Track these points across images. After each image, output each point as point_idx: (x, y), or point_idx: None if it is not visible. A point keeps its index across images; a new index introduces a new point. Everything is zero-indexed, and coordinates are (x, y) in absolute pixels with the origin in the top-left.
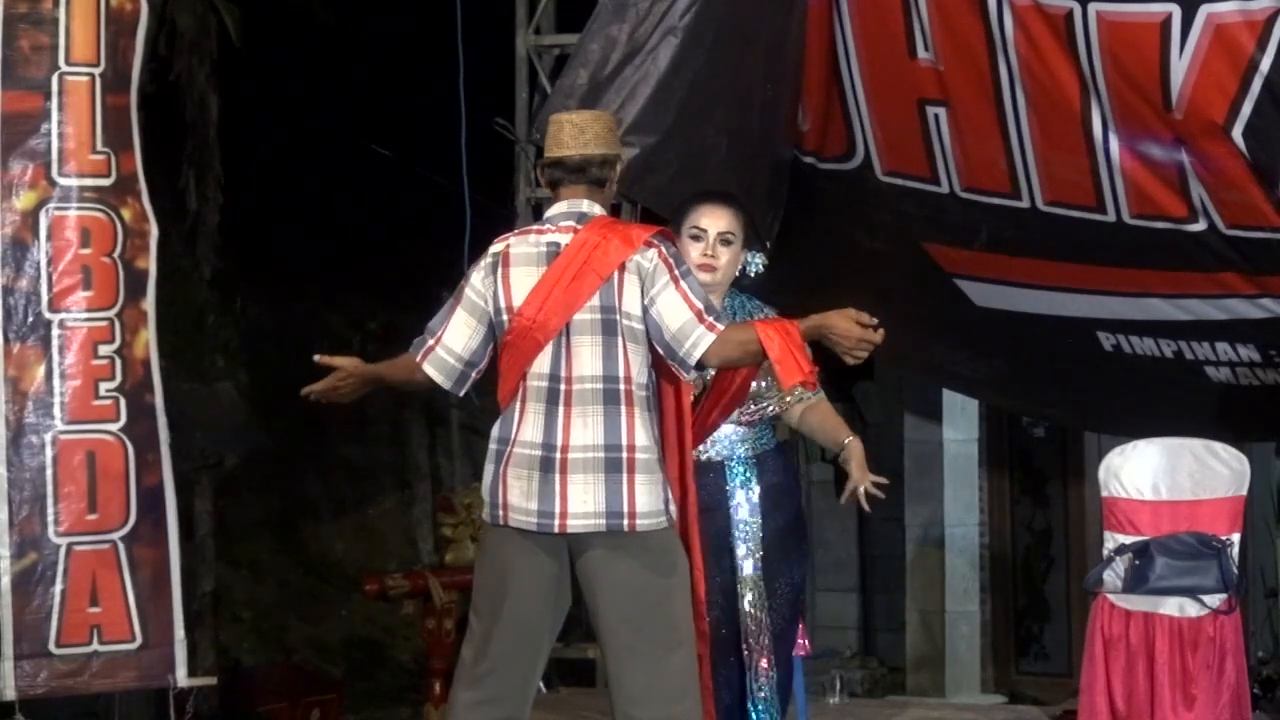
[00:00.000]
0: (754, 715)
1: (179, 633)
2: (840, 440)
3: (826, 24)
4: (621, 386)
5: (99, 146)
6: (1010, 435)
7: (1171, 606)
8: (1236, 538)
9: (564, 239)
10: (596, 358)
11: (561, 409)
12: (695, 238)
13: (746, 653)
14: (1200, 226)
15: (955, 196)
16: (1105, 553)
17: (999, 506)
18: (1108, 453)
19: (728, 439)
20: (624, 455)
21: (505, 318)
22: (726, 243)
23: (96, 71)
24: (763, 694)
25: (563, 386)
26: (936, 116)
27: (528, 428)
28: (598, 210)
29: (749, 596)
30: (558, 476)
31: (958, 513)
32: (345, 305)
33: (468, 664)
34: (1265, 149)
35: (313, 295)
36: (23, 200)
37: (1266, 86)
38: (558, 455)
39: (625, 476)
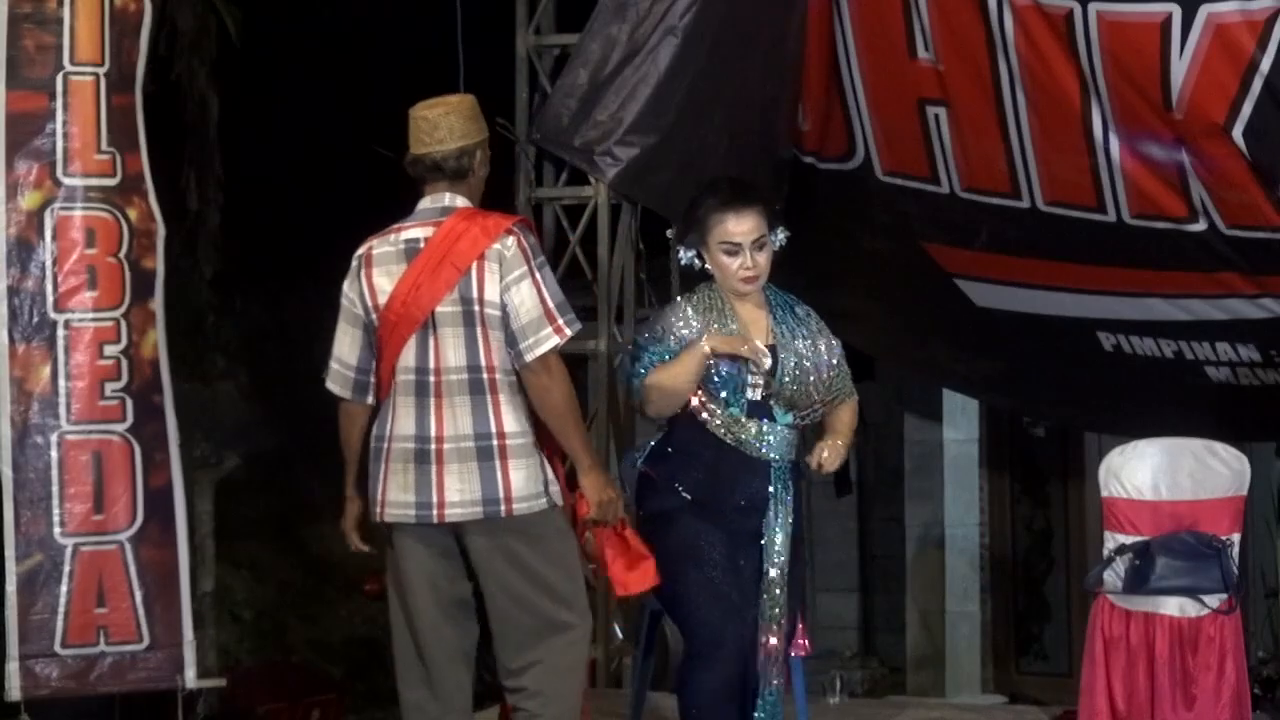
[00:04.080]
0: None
1: (188, 634)
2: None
3: (827, 24)
4: (485, 375)
5: (104, 146)
6: (1010, 435)
7: (1172, 607)
8: (1236, 538)
9: (424, 233)
10: (460, 349)
11: (432, 400)
12: (730, 252)
13: (763, 656)
14: (1200, 226)
15: (955, 196)
16: (1105, 553)
17: (999, 506)
18: (1108, 453)
19: (783, 440)
20: (495, 443)
21: (374, 317)
22: (762, 246)
23: (101, 71)
24: (771, 696)
25: (431, 378)
26: (936, 116)
27: (401, 421)
28: (460, 202)
29: (777, 606)
30: (434, 468)
31: (958, 513)
32: None
33: (402, 665)
34: (1265, 149)
35: (313, 295)
36: (28, 200)
37: (1267, 86)
38: (432, 446)
39: (499, 463)
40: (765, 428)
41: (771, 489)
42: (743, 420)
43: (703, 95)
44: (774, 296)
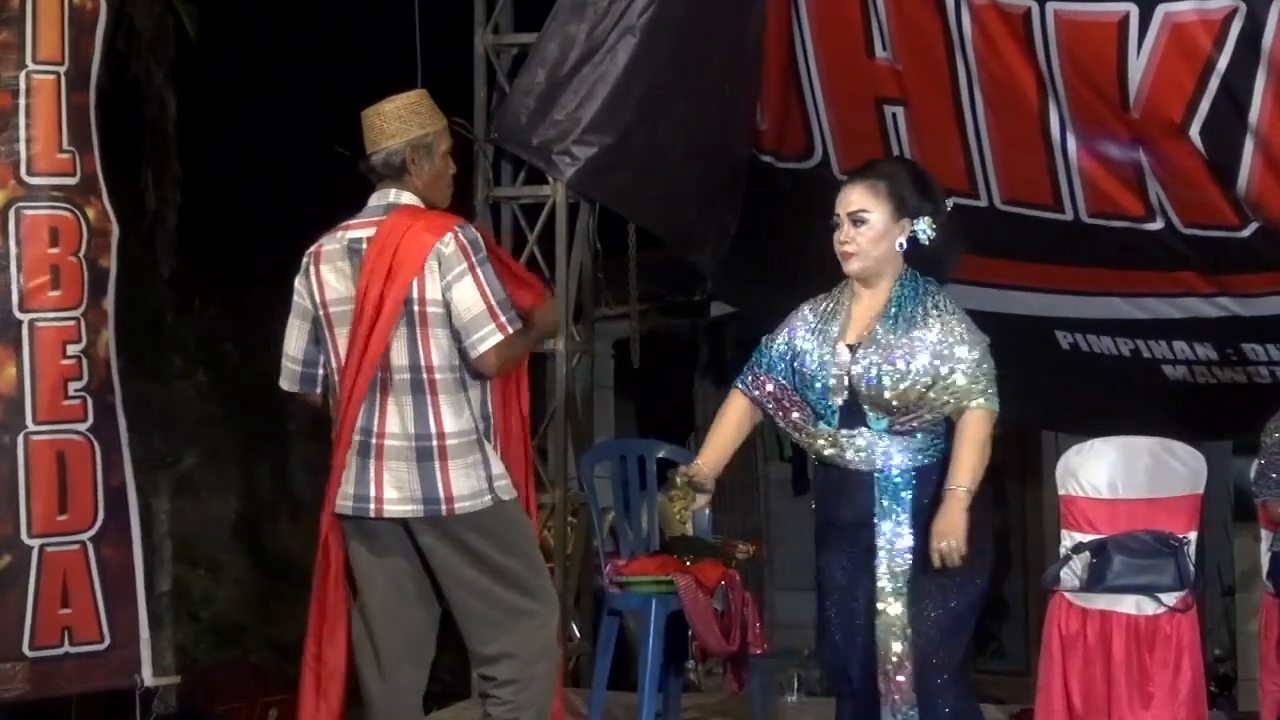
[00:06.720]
0: None
1: (144, 632)
2: (947, 485)
3: (785, 23)
4: (425, 376)
5: (65, 146)
6: None
7: (1129, 605)
8: (1193, 536)
9: (366, 233)
10: (403, 349)
11: (379, 396)
12: (835, 227)
13: (883, 685)
14: (1157, 225)
15: None
16: (1063, 551)
17: None
18: (1065, 451)
19: (874, 448)
20: (434, 444)
21: (322, 314)
22: (860, 222)
23: (61, 70)
24: None
25: (379, 374)
26: (895, 116)
27: (355, 414)
28: (405, 199)
29: (895, 644)
30: (374, 462)
31: None
32: None
33: (360, 657)
34: (1222, 148)
35: (271, 295)
36: None
37: (1223, 85)
38: (374, 441)
39: (438, 464)
40: (861, 438)
41: (877, 505)
42: (833, 432)
43: (661, 94)
44: (908, 288)
